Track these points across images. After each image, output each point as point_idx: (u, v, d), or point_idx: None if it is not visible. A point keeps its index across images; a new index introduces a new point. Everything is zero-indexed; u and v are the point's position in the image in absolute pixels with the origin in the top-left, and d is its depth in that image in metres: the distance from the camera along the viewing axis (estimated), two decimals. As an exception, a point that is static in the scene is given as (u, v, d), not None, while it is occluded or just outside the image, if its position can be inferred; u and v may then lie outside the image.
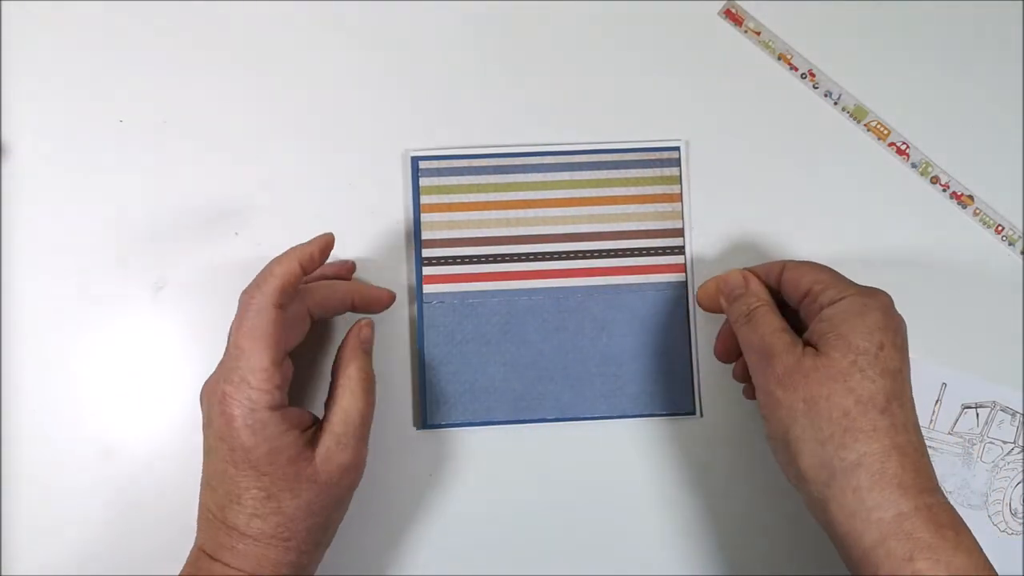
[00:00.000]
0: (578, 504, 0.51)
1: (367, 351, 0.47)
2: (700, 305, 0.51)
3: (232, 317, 0.51)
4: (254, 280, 0.43)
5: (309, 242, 0.44)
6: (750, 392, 0.50)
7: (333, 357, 0.47)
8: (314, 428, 0.44)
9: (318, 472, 0.42)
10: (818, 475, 0.41)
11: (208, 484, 0.43)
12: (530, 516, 0.51)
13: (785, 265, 0.46)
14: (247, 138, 0.52)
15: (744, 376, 0.49)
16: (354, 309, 0.49)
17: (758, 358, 0.44)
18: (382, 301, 0.50)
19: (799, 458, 0.41)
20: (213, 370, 0.50)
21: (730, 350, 0.49)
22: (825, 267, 0.45)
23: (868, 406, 0.40)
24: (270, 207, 0.52)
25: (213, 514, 0.42)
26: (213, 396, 0.42)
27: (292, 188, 0.52)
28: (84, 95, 0.52)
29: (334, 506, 0.43)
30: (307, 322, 0.47)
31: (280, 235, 0.51)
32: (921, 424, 0.52)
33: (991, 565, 0.39)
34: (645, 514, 0.51)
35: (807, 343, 0.43)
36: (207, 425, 0.43)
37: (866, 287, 0.44)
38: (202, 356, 0.51)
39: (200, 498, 0.43)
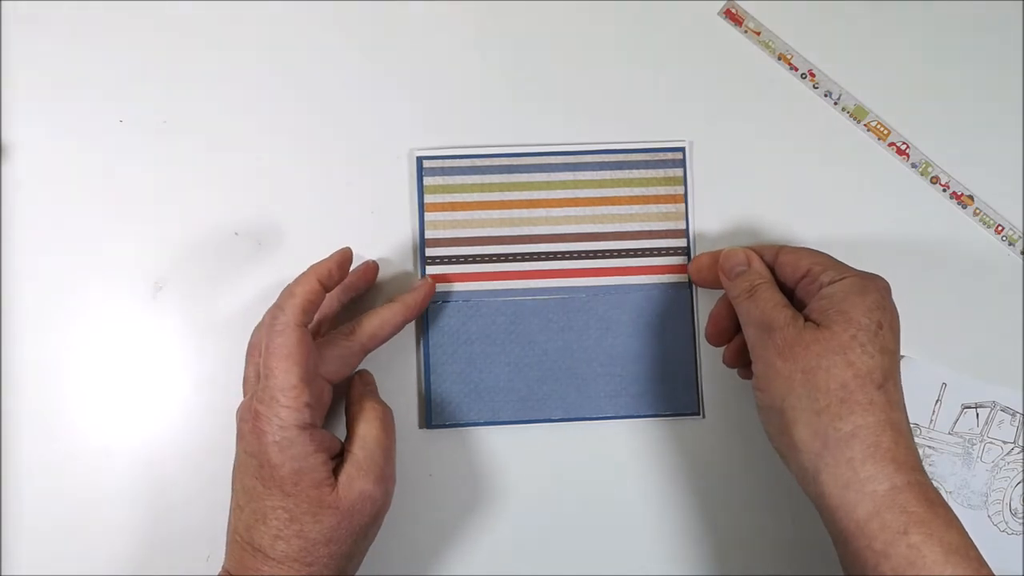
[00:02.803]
0: (582, 504, 0.51)
1: (374, 392, 0.48)
2: (692, 279, 0.51)
3: (231, 317, 0.51)
4: (276, 302, 0.44)
5: (327, 258, 0.45)
6: (745, 373, 0.51)
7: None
8: (341, 457, 0.44)
9: (340, 499, 0.42)
10: (811, 445, 0.41)
11: (237, 504, 0.43)
12: (534, 516, 0.51)
13: (781, 248, 0.47)
14: (248, 138, 0.52)
15: (735, 360, 0.50)
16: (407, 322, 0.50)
17: (758, 331, 0.44)
18: (427, 300, 0.50)
19: (793, 427, 0.42)
20: (213, 371, 0.50)
21: (722, 332, 0.50)
22: (821, 251, 0.46)
23: (866, 380, 0.41)
24: (270, 207, 0.52)
25: (240, 535, 0.43)
26: (246, 414, 0.42)
27: (294, 188, 0.52)
28: (84, 95, 0.52)
29: (357, 536, 0.43)
30: (359, 356, 0.48)
31: (281, 235, 0.51)
32: (921, 424, 0.52)
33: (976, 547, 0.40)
34: (648, 514, 0.51)
35: (807, 319, 0.43)
36: (239, 441, 0.43)
37: (865, 271, 0.45)
38: (202, 356, 0.51)
39: (229, 521, 0.44)
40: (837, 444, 0.41)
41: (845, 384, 0.41)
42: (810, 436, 0.41)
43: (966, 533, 0.40)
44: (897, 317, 0.43)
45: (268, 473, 0.41)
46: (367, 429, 0.45)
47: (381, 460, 0.44)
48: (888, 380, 0.42)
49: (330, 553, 0.42)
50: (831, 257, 0.46)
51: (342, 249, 0.46)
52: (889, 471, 0.40)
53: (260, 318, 0.48)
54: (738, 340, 0.49)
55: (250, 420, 0.42)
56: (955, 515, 0.40)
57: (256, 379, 0.45)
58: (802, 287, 0.45)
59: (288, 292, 0.43)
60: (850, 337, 0.41)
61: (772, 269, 0.47)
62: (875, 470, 0.40)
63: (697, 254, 0.51)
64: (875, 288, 0.43)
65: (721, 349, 0.51)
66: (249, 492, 0.42)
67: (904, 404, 0.42)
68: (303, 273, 0.44)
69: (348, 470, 0.43)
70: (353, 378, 0.49)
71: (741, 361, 0.50)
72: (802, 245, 0.52)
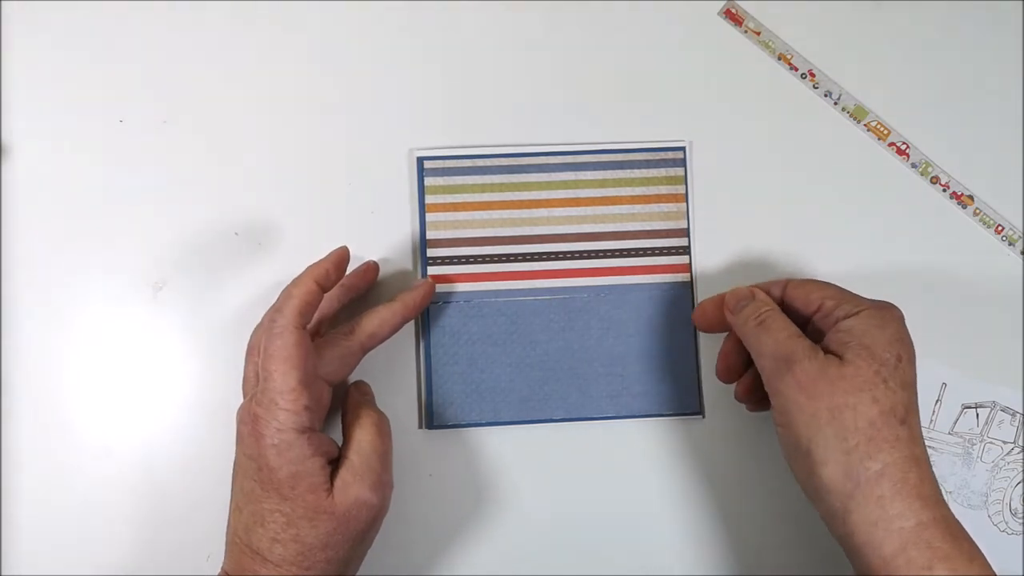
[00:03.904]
0: (583, 504, 0.51)
1: (370, 401, 0.48)
2: (697, 325, 0.51)
3: (231, 317, 0.51)
4: (274, 304, 0.43)
5: (324, 259, 0.45)
6: (754, 407, 0.50)
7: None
8: (338, 463, 0.44)
9: (336, 505, 0.42)
10: (843, 486, 0.41)
11: (236, 506, 0.43)
12: (535, 516, 0.51)
13: (788, 282, 0.47)
14: (248, 138, 0.52)
15: (747, 395, 0.49)
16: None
17: (775, 364, 0.43)
18: (426, 300, 0.50)
19: (822, 468, 0.41)
20: (213, 371, 0.50)
21: (733, 368, 0.49)
22: (830, 283, 0.46)
23: (890, 416, 0.41)
24: (271, 207, 0.52)
25: (239, 537, 0.43)
26: (245, 416, 0.42)
27: (294, 188, 0.52)
28: (84, 95, 0.52)
29: (353, 541, 0.43)
30: (358, 355, 0.47)
31: (281, 235, 0.51)
32: (921, 424, 0.52)
33: None
34: (650, 514, 0.51)
35: (826, 350, 0.43)
36: (238, 444, 0.43)
37: (878, 301, 0.44)
38: (202, 356, 0.51)
39: (228, 521, 0.44)
40: (868, 483, 0.40)
41: (872, 422, 0.41)
42: (841, 477, 0.41)
43: (988, 565, 0.40)
44: (912, 347, 0.43)
45: (266, 476, 0.41)
46: (363, 435, 0.45)
47: (377, 466, 0.44)
48: (909, 414, 0.42)
49: (327, 558, 0.42)
50: (840, 288, 0.45)
51: (338, 249, 0.46)
52: (916, 507, 0.40)
53: (260, 318, 0.48)
54: (750, 376, 0.49)
55: (249, 423, 0.42)
56: (978, 549, 0.40)
57: (256, 380, 0.45)
58: (816, 320, 0.45)
59: (286, 294, 0.43)
60: (874, 373, 0.41)
61: (781, 303, 0.47)
62: (903, 507, 0.40)
63: (700, 301, 0.51)
64: (892, 319, 0.43)
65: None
66: (248, 494, 0.42)
67: (922, 436, 0.42)
68: (300, 274, 0.44)
69: (344, 476, 0.43)
70: (349, 388, 0.49)
71: (754, 397, 0.49)
72: (803, 248, 0.52)
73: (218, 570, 0.44)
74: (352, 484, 0.43)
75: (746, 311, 0.46)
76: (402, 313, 0.48)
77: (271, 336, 0.42)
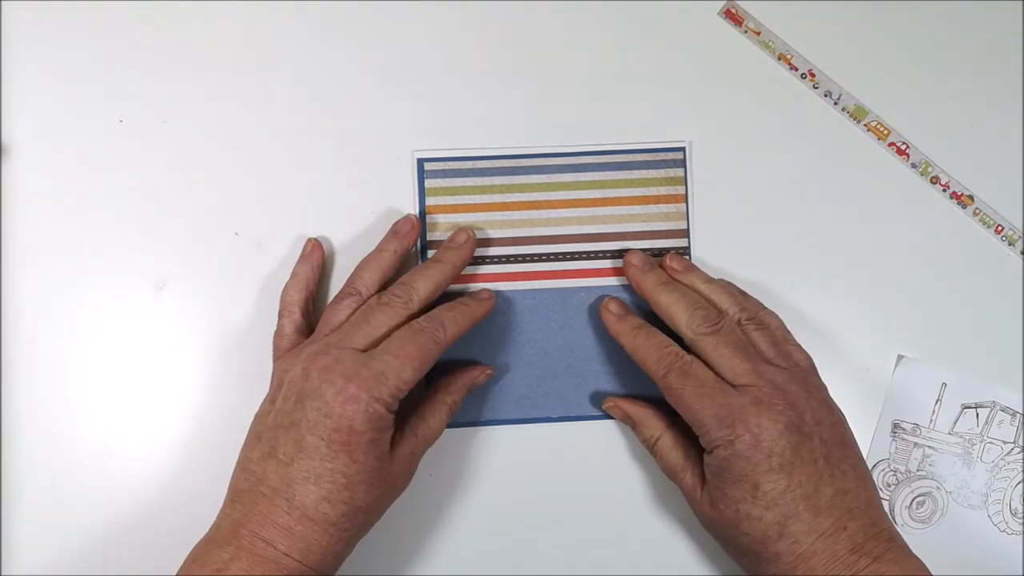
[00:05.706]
0: (581, 503, 0.51)
1: (465, 391, 0.49)
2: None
3: (232, 317, 0.51)
4: (443, 312, 0.46)
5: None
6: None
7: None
8: (395, 431, 0.45)
9: (392, 474, 0.44)
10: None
11: (275, 457, 0.42)
12: (533, 515, 0.51)
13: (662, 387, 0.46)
14: (248, 139, 0.52)
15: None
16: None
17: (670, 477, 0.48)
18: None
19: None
20: (213, 371, 0.50)
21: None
22: (699, 395, 0.44)
23: (764, 541, 0.42)
24: (271, 207, 0.52)
25: (275, 489, 0.42)
26: (331, 374, 0.42)
27: (294, 189, 0.52)
28: (84, 95, 0.52)
29: (383, 511, 0.45)
30: None
31: (281, 236, 0.51)
32: (921, 424, 0.52)
33: None
34: (649, 513, 0.51)
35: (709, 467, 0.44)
36: (307, 396, 0.42)
37: (733, 402, 0.43)
38: (201, 356, 0.51)
39: (249, 471, 0.43)
40: None
41: (750, 547, 0.43)
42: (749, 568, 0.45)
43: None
44: (772, 434, 0.42)
45: (342, 437, 0.41)
46: (437, 424, 0.47)
47: (424, 452, 0.47)
48: (787, 524, 0.42)
49: (363, 522, 0.43)
50: (703, 411, 0.43)
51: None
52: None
53: (261, 316, 0.49)
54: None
55: (340, 381, 0.42)
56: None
57: (295, 334, 0.47)
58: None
59: (452, 319, 0.46)
60: (733, 512, 0.43)
61: None
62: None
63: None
64: (735, 450, 0.42)
65: None
66: (308, 450, 0.42)
67: (828, 504, 0.42)
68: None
69: (405, 449, 0.45)
70: (473, 370, 0.50)
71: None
72: (802, 248, 0.52)
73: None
74: (410, 460, 0.45)
75: (639, 432, 0.49)
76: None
77: (424, 334, 0.44)
